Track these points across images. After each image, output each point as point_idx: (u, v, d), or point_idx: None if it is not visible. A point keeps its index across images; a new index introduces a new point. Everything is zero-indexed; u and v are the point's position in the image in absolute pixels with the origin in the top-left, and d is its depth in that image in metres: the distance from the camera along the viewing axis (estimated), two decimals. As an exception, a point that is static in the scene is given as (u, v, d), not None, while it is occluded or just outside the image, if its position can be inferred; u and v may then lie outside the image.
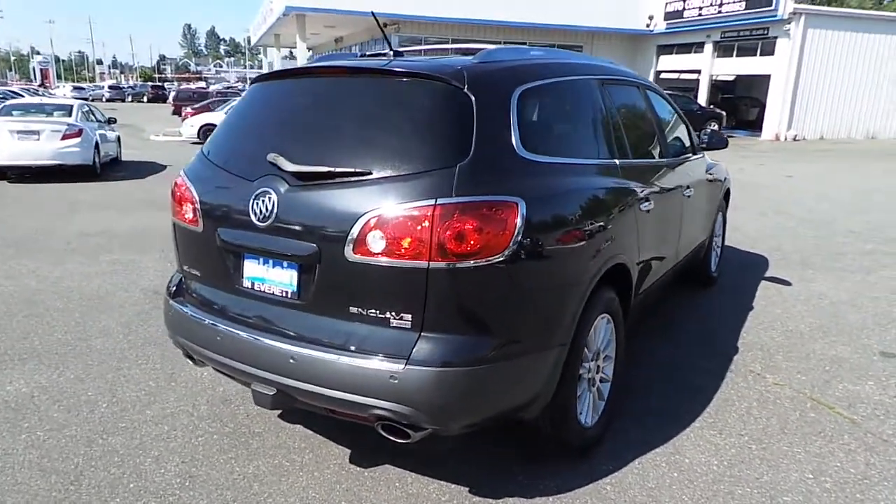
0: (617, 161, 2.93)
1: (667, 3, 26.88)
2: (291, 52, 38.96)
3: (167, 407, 3.12)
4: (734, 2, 23.06)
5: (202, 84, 63.61)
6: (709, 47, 25.68)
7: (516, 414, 2.31)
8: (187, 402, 3.17)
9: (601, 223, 2.56)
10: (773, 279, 5.41)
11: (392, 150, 2.17)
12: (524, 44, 28.15)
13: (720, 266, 5.37)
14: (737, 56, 24.98)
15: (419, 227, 1.99)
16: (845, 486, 2.52)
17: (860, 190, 11.08)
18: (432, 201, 2.00)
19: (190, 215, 2.51)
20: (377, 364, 2.06)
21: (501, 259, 2.04)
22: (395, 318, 2.07)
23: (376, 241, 2.03)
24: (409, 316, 2.05)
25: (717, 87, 28.19)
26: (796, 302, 4.83)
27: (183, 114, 23.12)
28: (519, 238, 2.07)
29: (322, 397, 2.17)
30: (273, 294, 2.30)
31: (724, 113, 23.48)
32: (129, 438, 2.83)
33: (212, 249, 2.45)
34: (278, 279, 2.28)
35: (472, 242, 1.99)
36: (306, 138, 2.33)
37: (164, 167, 12.98)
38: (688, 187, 3.87)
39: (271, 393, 2.29)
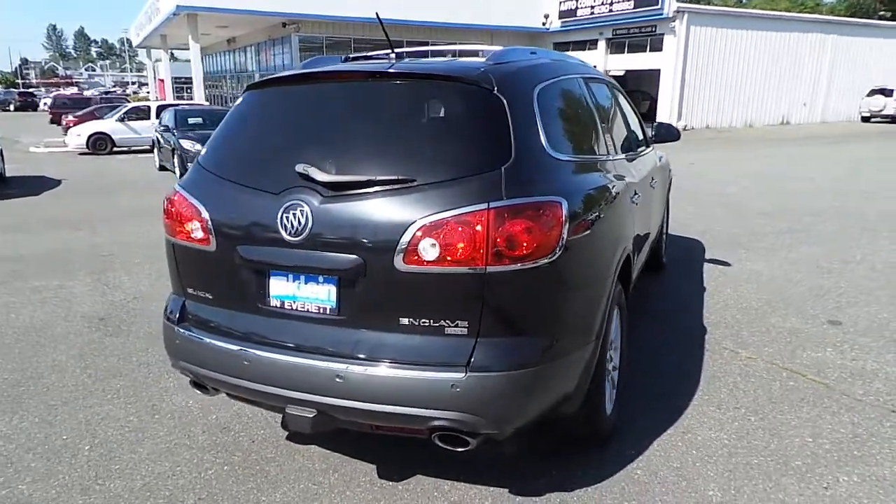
0: (610, 155, 3.04)
1: (561, 2, 27.98)
2: (173, 55, 36.87)
3: (160, 442, 2.89)
4: (624, 1, 24.39)
5: (75, 90, 58.85)
6: (602, 44, 27.03)
7: (559, 410, 2.34)
8: (181, 435, 2.95)
9: (617, 216, 2.65)
10: (713, 261, 5.79)
11: (432, 156, 2.12)
12: (426, 43, 28.38)
13: (666, 251, 5.68)
14: (628, 52, 26.45)
15: (474, 232, 1.96)
16: (842, 445, 2.76)
17: (754, 173, 12.07)
18: (485, 205, 1.98)
19: (198, 234, 2.33)
20: (436, 374, 2.02)
21: (552, 259, 2.05)
22: (449, 326, 2.04)
23: (429, 249, 1.98)
24: (466, 322, 2.03)
25: (610, 81, 29.65)
26: (740, 281, 5.20)
27: (64, 122, 21.38)
28: (565, 237, 2.09)
29: (373, 414, 2.09)
30: (308, 312, 2.18)
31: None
32: (129, 481, 2.59)
33: (228, 269, 2.29)
34: (313, 295, 2.17)
35: (525, 244, 1.99)
36: (333, 146, 2.22)
37: (58, 182, 11.94)
38: (652, 178, 4.07)
39: (310, 415, 2.18)
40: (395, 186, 2.05)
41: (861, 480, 2.51)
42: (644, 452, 2.73)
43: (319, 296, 2.17)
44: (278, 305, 2.23)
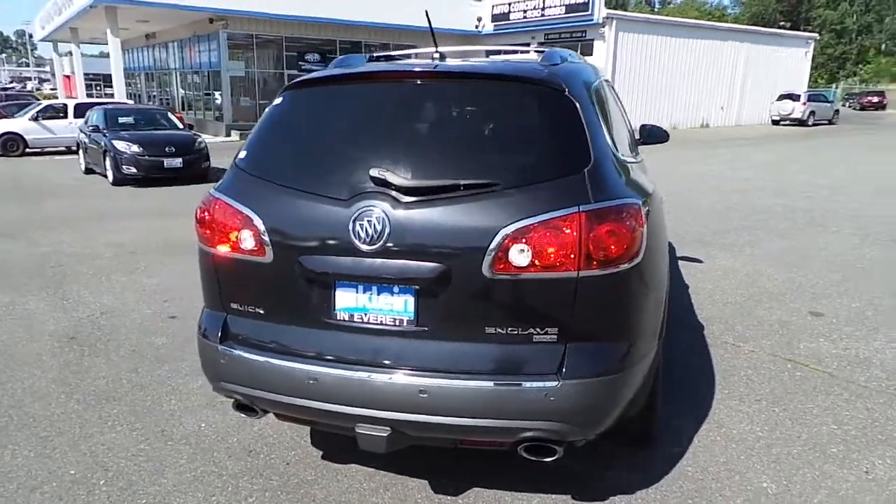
0: (636, 157, 3.07)
1: (494, 6, 28.32)
2: (71, 52, 34.57)
3: (183, 471, 2.66)
4: (555, 6, 24.99)
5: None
6: (534, 48, 27.57)
7: (628, 412, 2.33)
8: (204, 461, 2.73)
9: (662, 216, 2.67)
10: (686, 258, 6.00)
11: (512, 159, 2.06)
12: (359, 42, 28.03)
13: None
14: (560, 56, 27.12)
15: (566, 237, 1.92)
16: (865, 431, 2.90)
17: (697, 174, 12.63)
18: (575, 209, 1.94)
19: (249, 244, 2.16)
20: (529, 384, 1.95)
21: (636, 261, 2.03)
22: (538, 333, 1.98)
23: (519, 255, 1.92)
24: (555, 329, 1.97)
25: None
26: (717, 277, 5.41)
27: (-31, 122, 19.61)
28: (644, 238, 2.08)
29: (460, 429, 2.01)
30: (382, 324, 2.06)
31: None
32: (164, 515, 2.38)
33: (286, 282, 2.14)
34: (388, 307, 2.06)
35: (613, 247, 1.96)
36: (404, 150, 2.11)
37: (-26, 188, 10.94)
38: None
39: (385, 434, 2.06)
40: (480, 191, 1.97)
41: (894, 463, 2.64)
42: (689, 449, 2.77)
43: (395, 307, 2.05)
44: (346, 319, 2.10)
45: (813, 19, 60.80)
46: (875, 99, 41.20)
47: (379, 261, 2.01)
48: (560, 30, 25.91)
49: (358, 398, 2.05)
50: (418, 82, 2.26)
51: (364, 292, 2.08)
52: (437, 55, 2.59)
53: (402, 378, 2.01)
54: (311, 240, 2.09)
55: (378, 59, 2.88)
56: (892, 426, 2.93)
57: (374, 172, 2.00)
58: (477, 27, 29.65)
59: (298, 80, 2.43)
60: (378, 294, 2.07)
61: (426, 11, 2.63)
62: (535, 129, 2.12)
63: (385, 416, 2.04)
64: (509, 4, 27.45)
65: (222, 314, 2.33)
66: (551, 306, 1.97)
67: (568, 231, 1.91)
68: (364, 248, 2.01)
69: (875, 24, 61.77)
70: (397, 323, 2.05)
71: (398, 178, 1.98)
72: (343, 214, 2.03)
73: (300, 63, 26.65)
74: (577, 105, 2.15)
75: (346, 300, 2.10)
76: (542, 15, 25.80)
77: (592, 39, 24.88)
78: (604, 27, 24.25)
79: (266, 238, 2.13)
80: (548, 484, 2.53)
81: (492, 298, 1.97)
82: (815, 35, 35.24)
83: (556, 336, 1.98)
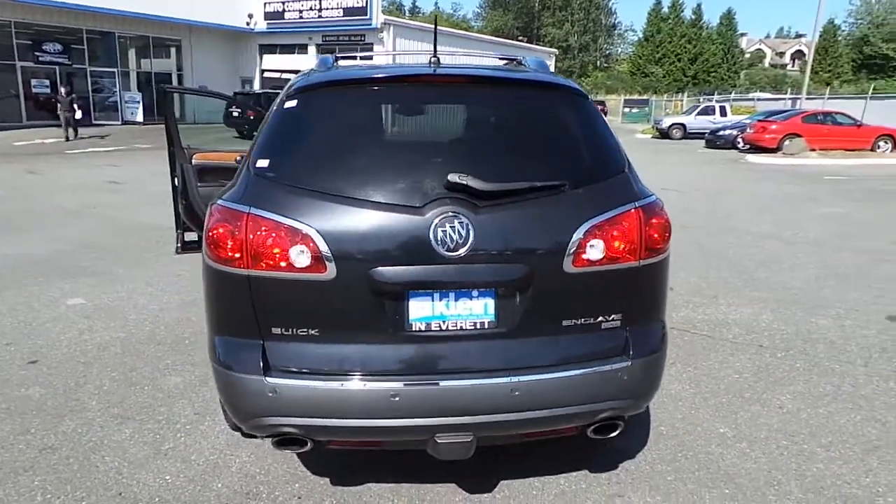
0: None
1: (266, 3, 27.30)
2: None
3: (180, 530, 2.28)
4: (333, 8, 25.01)
5: None
6: (312, 49, 27.22)
7: None
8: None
9: None
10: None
11: (569, 161, 2.19)
12: (111, 34, 24.86)
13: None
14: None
15: (631, 231, 2.11)
16: (759, 375, 3.59)
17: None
18: (632, 205, 2.14)
19: (303, 262, 1.96)
20: (606, 367, 2.11)
21: (669, 249, 2.31)
22: (607, 320, 2.15)
23: (594, 250, 2.06)
24: (619, 315, 2.16)
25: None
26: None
27: None
28: None
29: (549, 420, 2.09)
30: (461, 329, 2.04)
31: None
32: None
33: (351, 297, 1.98)
34: (467, 312, 2.04)
35: (658, 237, 2.20)
36: (469, 154, 2.10)
37: None
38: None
39: (469, 439, 2.05)
40: (550, 192, 2.07)
41: (793, 397, 3.35)
42: (651, 413, 3.16)
43: (475, 311, 2.04)
44: (422, 328, 2.03)
45: (544, 36, 69.60)
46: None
47: (461, 267, 1.98)
48: (338, 32, 26.04)
49: (444, 407, 2.01)
50: (456, 87, 2.26)
51: (441, 300, 2.03)
52: (434, 60, 2.58)
53: (491, 380, 2.02)
54: (385, 251, 1.97)
55: (342, 58, 2.76)
56: (774, 370, 3.69)
57: (453, 178, 1.96)
58: (248, 24, 28.32)
59: (316, 81, 2.23)
60: (456, 300, 2.04)
61: (435, 17, 2.57)
62: (580, 132, 2.27)
63: (469, 420, 2.02)
64: (283, 3, 26.77)
65: (257, 342, 2.05)
66: (617, 294, 2.15)
67: (631, 225, 2.11)
68: (448, 254, 1.97)
69: (592, 44, 73.02)
70: (478, 326, 2.05)
71: (481, 182, 1.98)
72: (420, 222, 1.96)
73: (37, 54, 22.79)
74: (600, 113, 2.36)
75: (422, 310, 2.02)
76: (320, 16, 25.65)
77: (372, 44, 25.45)
78: (382, 32, 24.97)
79: (327, 253, 1.95)
80: (565, 465, 2.70)
81: (570, 293, 2.08)
82: (554, 50, 40.55)
83: (619, 321, 2.16)
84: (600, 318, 2.13)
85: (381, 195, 1.99)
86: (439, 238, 1.95)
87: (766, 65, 73.15)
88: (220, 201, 2.12)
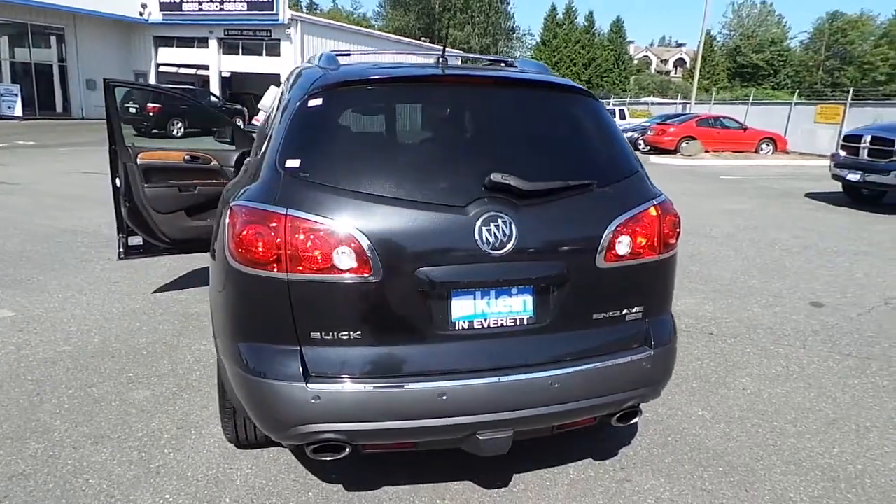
0: None
1: (162, -7, 25.78)
2: None
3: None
4: (237, 1, 24.00)
5: None
6: (214, 43, 26.01)
7: None
8: (215, 534, 2.23)
9: None
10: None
11: (594, 160, 2.27)
12: (24, 24, 22.52)
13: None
14: (245, 55, 26.15)
15: (652, 226, 2.22)
16: (718, 361, 3.87)
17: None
18: (651, 202, 2.26)
19: (347, 263, 1.91)
20: (633, 357, 2.21)
21: (678, 245, 2.45)
22: (630, 313, 2.25)
23: (622, 246, 2.16)
24: (641, 307, 2.27)
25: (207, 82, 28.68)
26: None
27: None
28: None
29: (583, 410, 2.16)
30: (501, 326, 2.07)
31: (245, 108, 24.41)
32: None
33: (395, 298, 1.96)
34: (506, 309, 2.07)
35: (671, 233, 2.34)
36: (503, 153, 2.12)
37: None
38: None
39: (509, 433, 2.09)
40: (582, 191, 2.14)
41: (752, 379, 3.64)
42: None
43: (514, 307, 2.08)
44: (465, 327, 2.03)
45: (446, 37, 70.48)
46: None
47: (502, 265, 2.01)
48: (243, 27, 25.05)
49: (489, 404, 2.02)
50: (481, 88, 2.29)
51: (482, 297, 2.05)
52: (441, 60, 2.58)
53: (533, 374, 2.06)
54: (430, 250, 1.96)
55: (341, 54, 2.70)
56: (728, 355, 3.99)
57: (496, 177, 1.98)
58: (142, 14, 26.60)
59: (342, 79, 2.16)
60: (496, 297, 2.06)
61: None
62: (599, 133, 2.35)
63: (510, 416, 2.05)
64: (182, -7, 25.35)
65: (294, 348, 1.97)
66: (640, 288, 2.26)
67: (652, 222, 2.23)
68: (491, 252, 1.99)
69: (492, 46, 74.74)
70: (517, 323, 2.08)
71: (524, 182, 2.01)
72: (465, 221, 1.97)
73: None
74: (608, 113, 2.47)
75: (464, 308, 2.03)
76: (222, 9, 24.56)
77: (279, 40, 24.72)
78: (289, 28, 24.28)
79: (373, 254, 1.91)
80: (568, 456, 2.78)
81: (601, 287, 2.16)
82: (461, 52, 41.13)
83: (641, 313, 2.27)
84: (625, 311, 2.23)
85: (423, 194, 1.98)
86: (484, 237, 1.97)
87: (653, 71, 78.15)
88: (244, 202, 2.02)
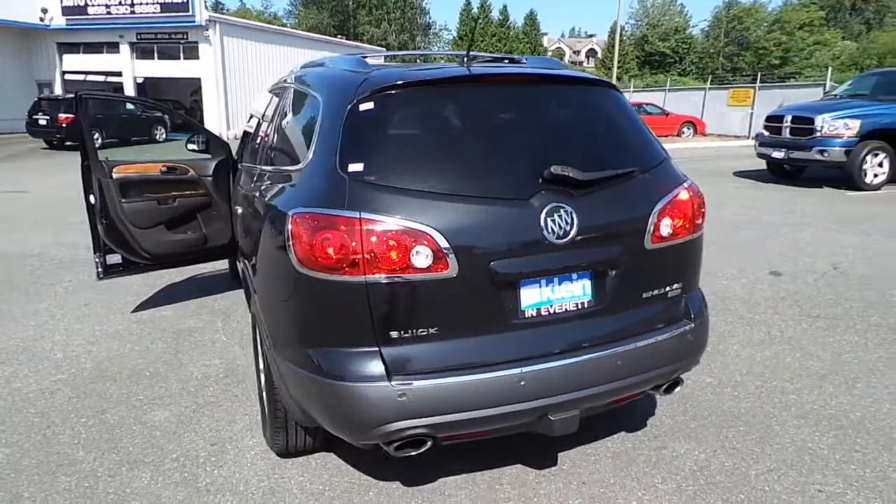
0: None
1: (64, -4, 24.19)
2: None
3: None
4: (149, 3, 22.87)
5: None
6: (126, 48, 24.68)
7: None
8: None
9: None
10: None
11: (632, 149, 2.42)
12: None
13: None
14: (161, 59, 24.97)
15: (688, 208, 2.39)
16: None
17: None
18: (682, 186, 2.42)
19: (425, 261, 1.95)
20: (680, 330, 2.37)
21: (704, 224, 2.62)
22: (672, 290, 2.41)
23: (665, 227, 2.31)
24: (679, 283, 2.43)
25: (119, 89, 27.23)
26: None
27: None
28: None
29: (642, 383, 2.30)
30: (565, 311, 2.17)
31: (166, 115, 23.33)
32: None
33: (471, 292, 2.03)
34: (569, 294, 2.18)
35: (698, 213, 2.50)
36: (555, 146, 2.23)
37: None
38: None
39: (578, 412, 2.20)
40: (628, 178, 2.28)
41: (742, 346, 3.91)
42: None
43: (575, 293, 2.18)
44: (534, 315, 2.12)
45: (362, 34, 69.79)
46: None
47: (564, 253, 2.11)
48: (156, 30, 23.94)
49: (561, 385, 2.12)
50: (534, 86, 2.39)
51: (546, 285, 2.14)
52: (466, 59, 2.64)
53: (598, 353, 2.17)
54: (501, 243, 2.04)
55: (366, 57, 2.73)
56: (715, 326, 4.15)
57: (556, 169, 2.08)
58: (42, 19, 24.89)
59: (390, 82, 2.18)
60: (559, 284, 2.16)
61: (475, 21, 2.61)
62: (629, 124, 2.49)
63: (580, 394, 2.16)
64: (86, -3, 23.89)
65: (373, 349, 2.00)
66: (679, 265, 2.42)
67: (686, 204, 2.39)
68: (557, 242, 2.08)
69: (410, 42, 74.76)
70: (579, 307, 2.19)
71: (581, 173, 2.11)
72: (531, 212, 2.06)
73: None
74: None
75: (532, 296, 2.12)
76: (133, 12, 23.36)
77: (197, 42, 23.79)
78: (208, 30, 23.40)
79: (448, 251, 1.97)
80: (601, 431, 2.93)
81: (648, 267, 2.31)
82: (383, 49, 40.92)
83: (679, 289, 2.43)
84: (668, 288, 2.39)
85: (487, 189, 2.05)
86: (549, 227, 2.06)
87: (567, 62, 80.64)
88: (309, 209, 2.02)
